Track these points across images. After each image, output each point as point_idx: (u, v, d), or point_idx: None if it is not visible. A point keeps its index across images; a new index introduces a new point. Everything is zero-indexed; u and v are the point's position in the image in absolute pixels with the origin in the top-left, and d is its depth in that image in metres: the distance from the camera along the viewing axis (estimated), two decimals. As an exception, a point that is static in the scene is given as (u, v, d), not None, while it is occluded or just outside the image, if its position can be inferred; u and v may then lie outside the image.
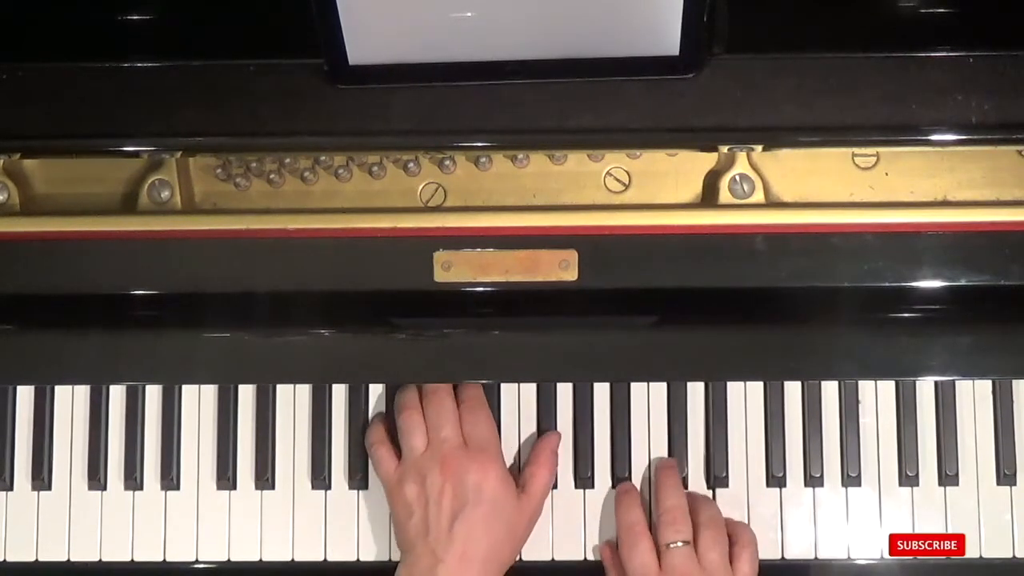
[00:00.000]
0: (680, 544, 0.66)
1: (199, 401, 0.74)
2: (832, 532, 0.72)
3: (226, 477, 0.73)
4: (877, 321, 0.69)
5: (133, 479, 0.73)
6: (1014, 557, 0.71)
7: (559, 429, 0.73)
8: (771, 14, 0.62)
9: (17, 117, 0.63)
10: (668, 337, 0.69)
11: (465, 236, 0.65)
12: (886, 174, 0.69)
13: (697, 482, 0.73)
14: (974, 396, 0.72)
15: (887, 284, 0.64)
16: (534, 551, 0.72)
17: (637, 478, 0.72)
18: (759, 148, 0.65)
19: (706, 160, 0.69)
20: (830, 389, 0.73)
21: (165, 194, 0.68)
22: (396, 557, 0.70)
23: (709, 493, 0.73)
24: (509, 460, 0.72)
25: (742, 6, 0.61)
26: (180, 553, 0.73)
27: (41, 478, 0.73)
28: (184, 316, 0.69)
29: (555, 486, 0.72)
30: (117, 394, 0.74)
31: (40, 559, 0.73)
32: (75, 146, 0.65)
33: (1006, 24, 0.63)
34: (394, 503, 0.69)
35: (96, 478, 0.73)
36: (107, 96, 0.63)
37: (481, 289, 0.65)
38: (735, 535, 0.69)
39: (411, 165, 0.69)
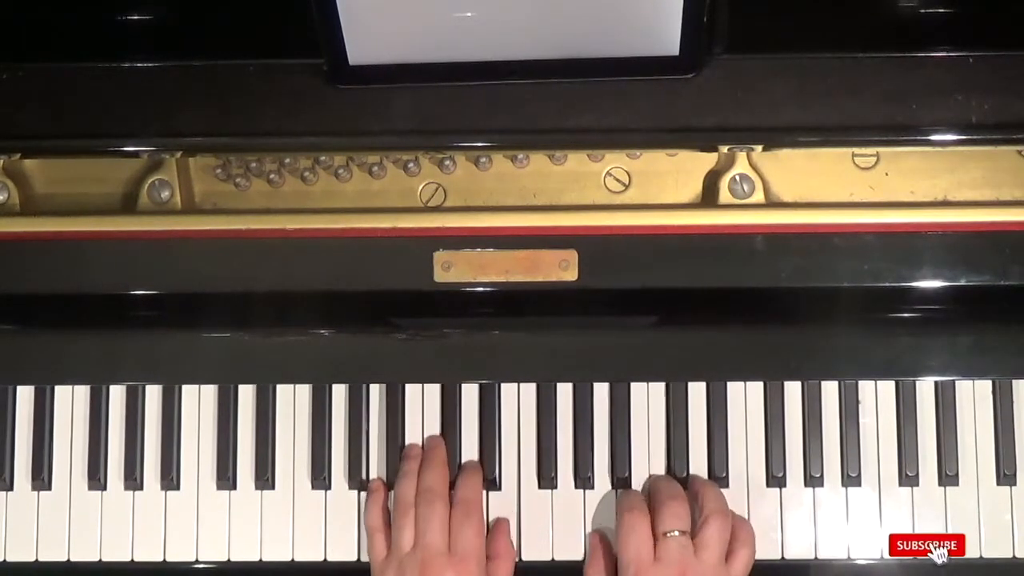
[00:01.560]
0: (677, 533, 0.65)
1: (199, 401, 0.74)
2: (832, 532, 0.72)
3: (226, 477, 0.73)
4: (877, 321, 0.69)
5: (133, 479, 0.73)
6: (1014, 557, 0.71)
7: (559, 429, 0.72)
8: (771, 14, 0.62)
9: (17, 117, 0.63)
10: (668, 337, 0.69)
11: (465, 236, 0.65)
12: (886, 174, 0.69)
13: (697, 482, 0.73)
14: (974, 396, 0.72)
15: (887, 284, 0.64)
16: (534, 551, 0.72)
17: (637, 478, 0.72)
18: (759, 148, 0.65)
19: (706, 160, 0.69)
20: (830, 389, 0.72)
21: (165, 194, 0.68)
22: (396, 557, 0.70)
23: (709, 493, 0.72)
24: (510, 462, 0.72)
25: (742, 6, 0.61)
26: (180, 553, 0.73)
27: (41, 478, 0.73)
28: (184, 316, 0.69)
29: (555, 486, 0.72)
30: (117, 394, 0.74)
31: (40, 559, 0.72)
32: (75, 146, 0.65)
33: (1006, 24, 0.63)
34: None
35: (96, 478, 0.73)
36: (107, 96, 0.63)
37: (481, 289, 0.65)
38: (734, 532, 0.68)
39: (411, 165, 0.69)
